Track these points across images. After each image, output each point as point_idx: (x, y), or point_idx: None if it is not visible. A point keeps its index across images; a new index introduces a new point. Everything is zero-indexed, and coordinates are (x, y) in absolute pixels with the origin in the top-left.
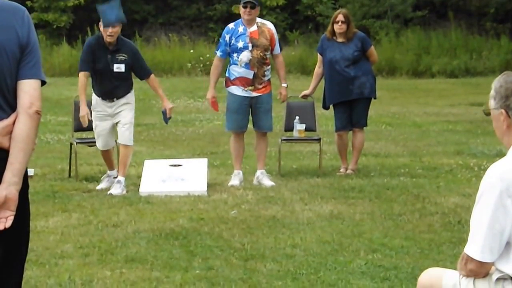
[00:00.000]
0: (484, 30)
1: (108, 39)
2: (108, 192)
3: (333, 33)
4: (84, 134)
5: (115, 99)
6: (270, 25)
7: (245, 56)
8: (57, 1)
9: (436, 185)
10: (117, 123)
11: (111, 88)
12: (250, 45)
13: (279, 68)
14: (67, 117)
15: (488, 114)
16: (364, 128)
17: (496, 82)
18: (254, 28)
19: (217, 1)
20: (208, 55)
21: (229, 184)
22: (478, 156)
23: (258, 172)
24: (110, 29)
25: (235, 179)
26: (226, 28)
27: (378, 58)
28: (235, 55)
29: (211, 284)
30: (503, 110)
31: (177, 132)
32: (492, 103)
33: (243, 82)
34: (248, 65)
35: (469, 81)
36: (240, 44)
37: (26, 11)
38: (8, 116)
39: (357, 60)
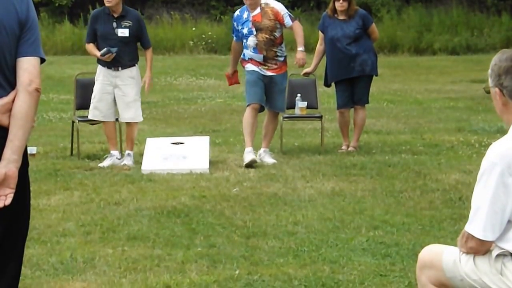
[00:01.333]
0: (485, 7)
1: (107, 4)
2: (122, 163)
3: (335, 10)
4: (86, 112)
5: (120, 68)
6: (273, 4)
7: (251, 41)
8: None
9: (437, 162)
10: (118, 99)
11: (118, 54)
12: (253, 29)
13: (296, 35)
14: (69, 95)
15: (488, 92)
16: (366, 105)
17: (492, 61)
18: (257, 11)
19: None
20: (210, 33)
21: (244, 163)
22: (479, 132)
23: (261, 150)
24: None
25: (250, 155)
26: (233, 16)
27: (379, 35)
28: (244, 41)
29: (213, 262)
30: (497, 89)
31: (179, 110)
32: (490, 81)
33: (256, 62)
34: (256, 49)
35: (470, 58)
36: (245, 31)
37: None
38: (7, 93)
39: (358, 38)
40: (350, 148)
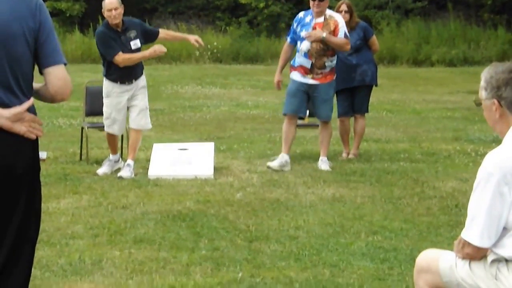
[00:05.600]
0: (482, 21)
1: (114, 21)
2: (118, 175)
3: None
4: (95, 119)
5: (133, 80)
6: (337, 17)
7: (305, 45)
8: None
9: (435, 170)
10: (130, 108)
11: (132, 67)
12: None
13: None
14: (78, 102)
15: (479, 104)
16: (366, 114)
17: (486, 73)
18: (320, 19)
19: None
20: (215, 43)
21: (268, 164)
22: (475, 142)
23: (319, 159)
24: (113, 12)
25: (276, 161)
26: (296, 16)
27: (379, 47)
28: (298, 43)
29: (217, 265)
30: (495, 100)
31: (185, 117)
32: (483, 94)
33: (302, 70)
34: (307, 54)
35: (467, 70)
36: (303, 34)
37: None
38: (20, 102)
39: (359, 49)
40: (350, 156)
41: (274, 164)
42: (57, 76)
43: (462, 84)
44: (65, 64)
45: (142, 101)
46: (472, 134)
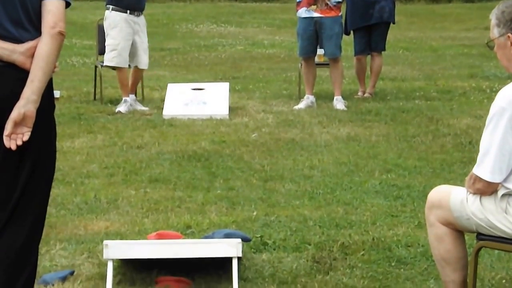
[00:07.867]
0: None
1: None
2: (116, 110)
3: None
4: None
5: (140, 13)
6: None
7: None
8: None
9: (450, 107)
10: (137, 45)
11: None
12: None
13: None
14: (92, 41)
15: (493, 47)
16: (382, 52)
17: (496, 11)
18: None
19: None
20: None
21: (295, 107)
22: (491, 78)
23: (334, 98)
24: None
25: (302, 103)
26: None
27: None
28: None
29: (232, 204)
30: (509, 34)
31: (200, 57)
32: (495, 32)
33: (307, 2)
34: None
35: (484, 5)
36: None
37: None
38: (33, 37)
39: None
40: (366, 95)
41: (300, 106)
42: (50, 10)
43: (479, 20)
44: (67, 3)
45: (145, 39)
46: (488, 71)
